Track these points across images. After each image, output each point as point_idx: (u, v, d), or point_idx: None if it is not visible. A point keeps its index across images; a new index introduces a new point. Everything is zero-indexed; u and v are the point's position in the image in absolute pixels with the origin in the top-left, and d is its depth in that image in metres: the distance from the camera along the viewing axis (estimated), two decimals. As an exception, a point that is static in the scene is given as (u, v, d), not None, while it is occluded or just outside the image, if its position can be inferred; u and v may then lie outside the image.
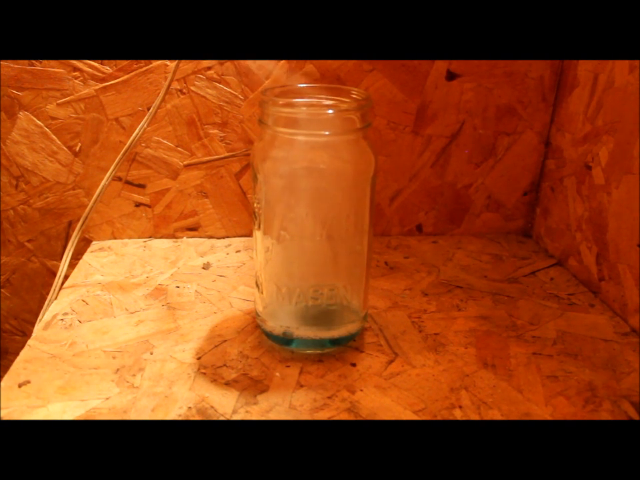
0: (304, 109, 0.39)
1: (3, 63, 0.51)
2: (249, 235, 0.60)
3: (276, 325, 0.41)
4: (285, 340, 0.41)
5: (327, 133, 0.36)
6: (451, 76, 0.55)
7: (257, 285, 0.41)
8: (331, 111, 0.37)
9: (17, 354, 0.41)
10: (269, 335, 0.42)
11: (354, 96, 0.39)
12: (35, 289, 0.60)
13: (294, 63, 0.53)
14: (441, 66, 0.55)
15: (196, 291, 0.50)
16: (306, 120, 0.37)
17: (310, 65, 0.54)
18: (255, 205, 0.39)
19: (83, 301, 0.48)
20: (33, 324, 0.56)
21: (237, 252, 0.57)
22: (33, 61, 0.51)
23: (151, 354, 0.41)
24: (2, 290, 0.60)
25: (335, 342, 0.41)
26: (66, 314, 0.46)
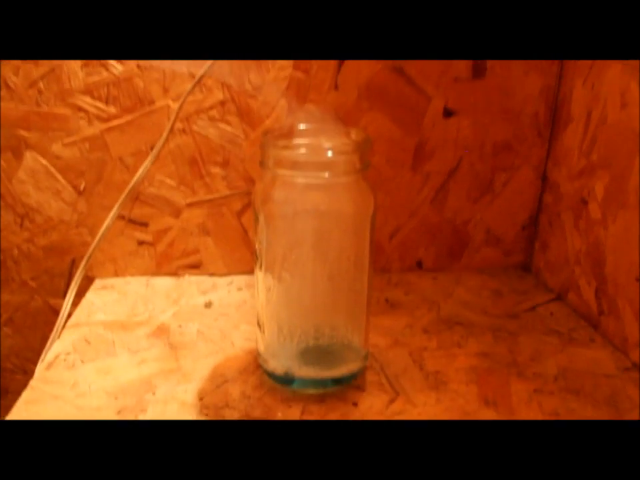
0: (303, 151, 0.40)
1: (10, 105, 0.52)
2: (251, 272, 0.60)
3: (277, 365, 0.41)
4: (286, 380, 0.41)
5: (326, 174, 0.37)
6: (447, 113, 0.56)
7: (259, 325, 0.42)
8: (330, 153, 0.37)
9: (18, 393, 0.42)
10: (271, 375, 0.42)
11: (353, 137, 0.40)
12: (37, 327, 0.61)
13: (294, 102, 0.55)
14: (437, 103, 0.56)
15: (198, 330, 0.50)
16: (305, 162, 0.37)
17: (310, 104, 0.55)
18: (257, 245, 0.40)
19: (86, 340, 0.48)
20: (34, 362, 0.56)
21: (238, 290, 0.57)
22: (40, 102, 0.53)
23: (153, 394, 0.41)
24: (4, 328, 0.61)
25: (336, 381, 0.41)
26: (68, 353, 0.46)
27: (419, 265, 0.62)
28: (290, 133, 0.43)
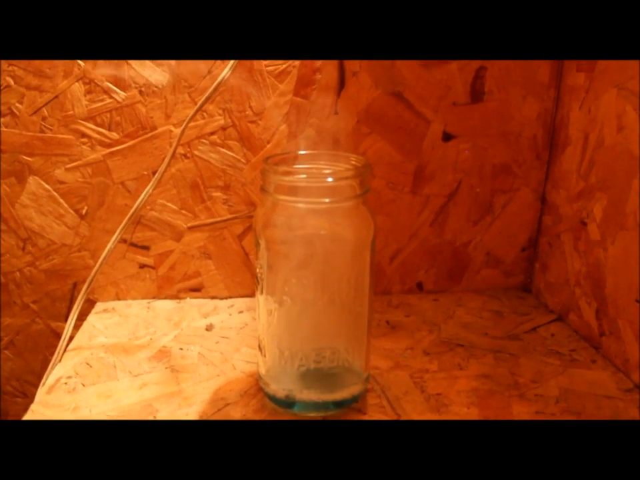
0: (304, 177, 0.40)
1: (15, 131, 0.53)
2: (252, 295, 0.60)
3: (278, 388, 0.41)
4: (287, 403, 0.41)
5: (327, 200, 0.37)
6: (447, 137, 0.57)
7: (260, 348, 0.42)
8: (330, 179, 0.38)
9: (18, 416, 0.42)
10: (272, 398, 0.42)
11: (353, 162, 0.41)
12: (39, 350, 0.61)
13: (294, 127, 0.55)
14: (437, 128, 0.56)
15: (199, 352, 0.50)
16: (306, 188, 0.38)
17: (310, 129, 0.56)
18: (258, 269, 0.40)
19: (87, 363, 0.48)
20: (34, 385, 0.56)
21: (239, 312, 0.57)
22: (44, 129, 0.53)
23: (155, 418, 0.41)
24: (5, 351, 0.61)
25: (337, 404, 0.41)
26: (69, 377, 0.46)
27: (420, 286, 0.62)
28: (290, 159, 0.43)
